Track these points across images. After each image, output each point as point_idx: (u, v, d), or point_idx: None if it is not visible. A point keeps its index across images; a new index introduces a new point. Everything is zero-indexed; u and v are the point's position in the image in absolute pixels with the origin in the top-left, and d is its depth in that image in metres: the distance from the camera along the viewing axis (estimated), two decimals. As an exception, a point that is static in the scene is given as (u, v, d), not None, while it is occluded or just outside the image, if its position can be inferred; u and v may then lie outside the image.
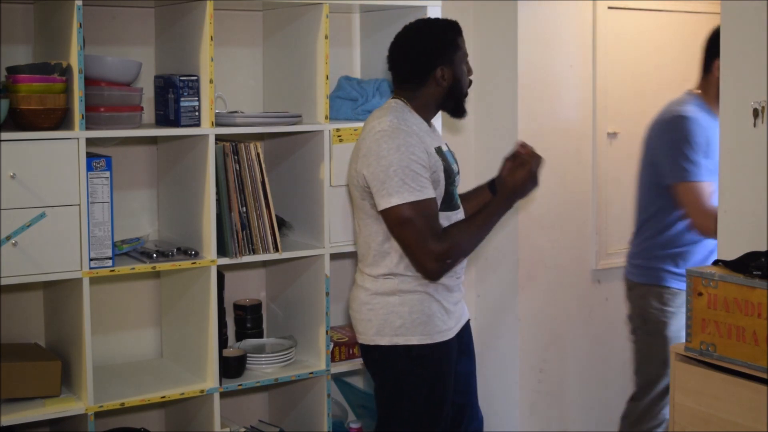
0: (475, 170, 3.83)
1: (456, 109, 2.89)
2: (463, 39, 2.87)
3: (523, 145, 2.90)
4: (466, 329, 2.97)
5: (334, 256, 3.42)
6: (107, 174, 2.88)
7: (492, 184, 3.02)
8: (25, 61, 3.10)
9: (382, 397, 2.85)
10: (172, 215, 3.29)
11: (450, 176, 2.80)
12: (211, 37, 2.97)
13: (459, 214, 2.86)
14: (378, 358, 2.82)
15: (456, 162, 2.91)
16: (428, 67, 2.79)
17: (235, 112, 3.24)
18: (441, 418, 2.82)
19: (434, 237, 2.67)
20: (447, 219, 2.79)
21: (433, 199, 2.70)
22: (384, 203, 2.67)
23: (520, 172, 2.80)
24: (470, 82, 2.89)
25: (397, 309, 2.75)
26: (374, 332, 2.78)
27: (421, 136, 2.74)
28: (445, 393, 2.81)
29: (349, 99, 3.41)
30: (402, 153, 2.66)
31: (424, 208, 2.66)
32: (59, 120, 2.82)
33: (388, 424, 2.83)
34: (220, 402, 3.11)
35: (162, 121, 3.10)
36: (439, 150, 2.80)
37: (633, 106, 4.04)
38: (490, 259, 3.88)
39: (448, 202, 2.81)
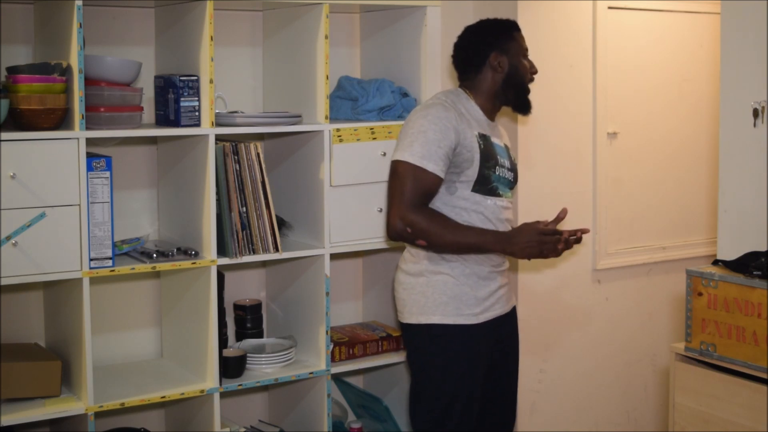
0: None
1: (518, 102, 2.97)
2: (521, 35, 2.99)
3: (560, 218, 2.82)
4: (506, 324, 3.02)
5: (334, 256, 3.42)
6: (107, 174, 2.88)
7: None
8: (25, 61, 3.10)
9: (411, 376, 2.99)
10: (172, 215, 3.29)
11: (488, 160, 2.84)
12: (211, 37, 2.97)
13: (499, 201, 2.88)
14: (407, 336, 2.97)
15: (510, 159, 2.94)
16: (483, 53, 2.92)
17: (235, 112, 3.24)
18: (457, 401, 2.86)
19: (412, 204, 2.73)
20: (477, 203, 2.83)
21: (434, 176, 2.75)
22: (392, 157, 2.81)
23: (533, 249, 2.76)
24: (532, 78, 2.98)
25: (424, 289, 2.86)
26: (406, 311, 2.91)
27: (464, 116, 2.84)
28: (463, 376, 2.86)
29: (349, 99, 3.41)
30: (426, 120, 2.78)
31: (419, 175, 2.74)
32: (59, 120, 2.82)
33: (413, 403, 2.93)
34: (220, 402, 3.11)
35: (162, 121, 3.10)
36: (482, 136, 2.85)
37: (633, 106, 4.04)
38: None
39: (483, 184, 2.84)
